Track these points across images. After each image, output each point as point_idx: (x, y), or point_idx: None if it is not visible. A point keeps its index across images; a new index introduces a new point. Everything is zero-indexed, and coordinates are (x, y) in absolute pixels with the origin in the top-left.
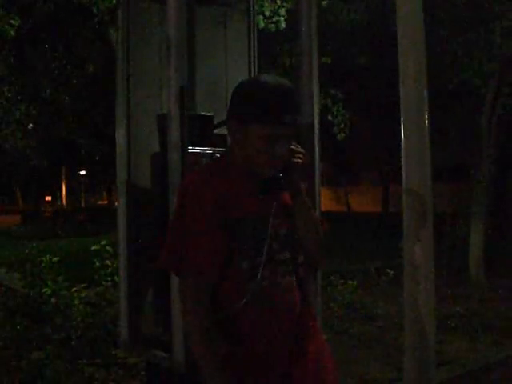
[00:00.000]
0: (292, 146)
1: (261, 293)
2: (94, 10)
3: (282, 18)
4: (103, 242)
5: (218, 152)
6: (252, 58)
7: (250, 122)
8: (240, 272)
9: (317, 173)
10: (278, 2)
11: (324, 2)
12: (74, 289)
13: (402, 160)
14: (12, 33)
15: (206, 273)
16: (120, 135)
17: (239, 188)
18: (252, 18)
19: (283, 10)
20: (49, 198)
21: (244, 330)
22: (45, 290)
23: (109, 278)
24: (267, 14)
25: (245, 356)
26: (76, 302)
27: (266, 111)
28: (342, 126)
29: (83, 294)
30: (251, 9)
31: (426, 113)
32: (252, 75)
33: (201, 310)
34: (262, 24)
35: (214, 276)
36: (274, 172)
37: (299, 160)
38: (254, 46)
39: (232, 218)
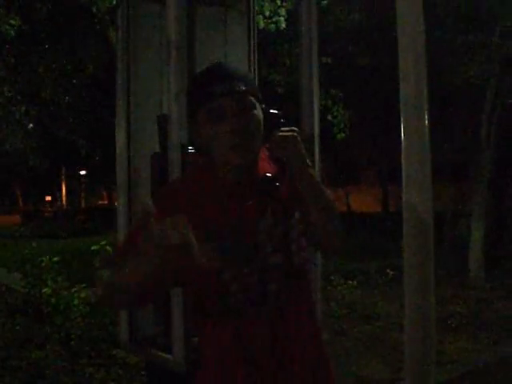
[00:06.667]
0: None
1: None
2: (94, 10)
3: (281, 18)
4: (103, 242)
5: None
6: (252, 58)
7: (192, 115)
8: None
9: (317, 173)
10: (278, 2)
11: (324, 2)
12: (73, 289)
13: (402, 160)
14: (12, 33)
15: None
16: (120, 135)
17: (213, 198)
18: (252, 17)
19: (283, 10)
20: (49, 198)
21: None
22: (45, 290)
23: None
24: (267, 14)
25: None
26: (76, 301)
27: (196, 93)
28: (342, 126)
29: (83, 294)
30: (251, 9)
31: (426, 112)
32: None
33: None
34: (261, 24)
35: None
36: (239, 159)
37: (290, 134)
38: (253, 46)
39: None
